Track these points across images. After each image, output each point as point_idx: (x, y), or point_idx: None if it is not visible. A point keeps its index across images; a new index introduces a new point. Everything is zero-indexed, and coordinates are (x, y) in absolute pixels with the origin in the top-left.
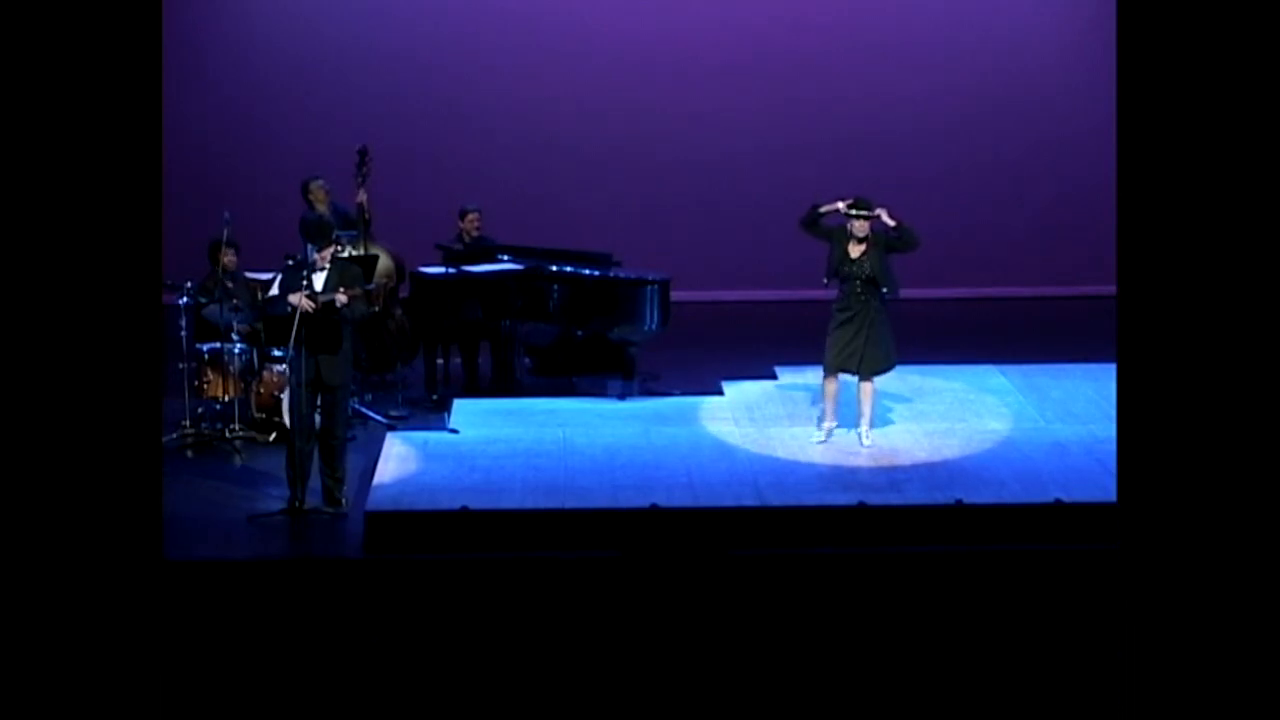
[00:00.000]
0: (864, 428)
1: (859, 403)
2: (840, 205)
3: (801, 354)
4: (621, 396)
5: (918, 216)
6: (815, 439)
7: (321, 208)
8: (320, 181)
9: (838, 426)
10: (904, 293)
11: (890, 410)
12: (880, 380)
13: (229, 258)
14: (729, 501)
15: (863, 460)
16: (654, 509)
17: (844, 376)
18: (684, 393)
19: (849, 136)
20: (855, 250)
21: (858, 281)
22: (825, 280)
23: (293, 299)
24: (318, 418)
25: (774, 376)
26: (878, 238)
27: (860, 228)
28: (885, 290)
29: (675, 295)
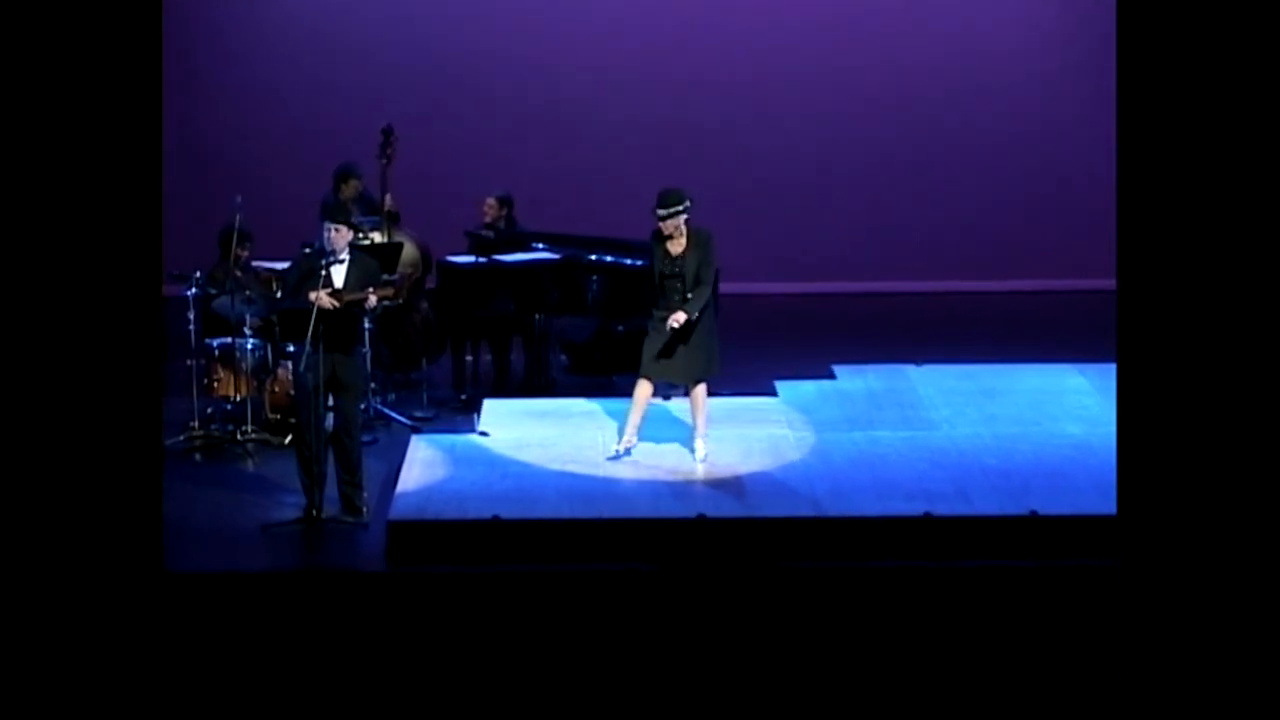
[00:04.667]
0: (698, 442)
1: (691, 414)
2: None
3: (861, 350)
4: (665, 397)
5: (993, 200)
6: (610, 453)
7: (346, 197)
8: (358, 181)
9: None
10: (973, 285)
11: (960, 412)
12: (945, 378)
13: (240, 250)
14: (782, 511)
15: (927, 467)
16: (700, 519)
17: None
18: (733, 393)
19: (914, 117)
20: (674, 248)
21: (677, 282)
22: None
23: (312, 297)
24: (329, 419)
25: (831, 375)
26: (698, 236)
27: (666, 226)
28: (690, 295)
29: (723, 287)
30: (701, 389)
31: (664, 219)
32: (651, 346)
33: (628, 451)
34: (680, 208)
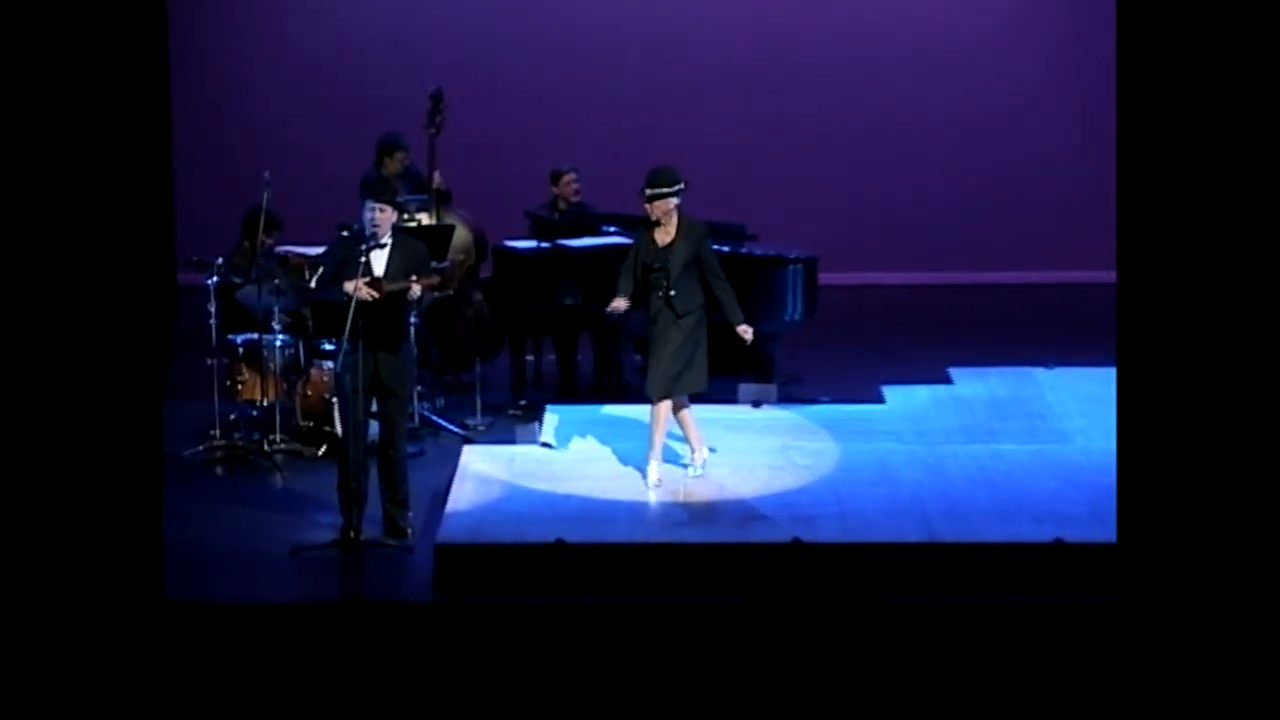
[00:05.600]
0: (695, 455)
1: (683, 430)
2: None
3: (981, 351)
4: (756, 404)
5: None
6: (650, 481)
7: (390, 172)
8: (404, 154)
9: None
10: (1095, 276)
11: (1096, 422)
12: (1080, 382)
13: (268, 238)
14: (888, 535)
15: (1058, 485)
16: (795, 544)
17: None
18: (834, 400)
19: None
20: (661, 237)
21: (660, 277)
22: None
23: (348, 287)
24: (374, 427)
25: (947, 380)
26: (691, 227)
27: (653, 210)
28: (673, 293)
29: (823, 278)
30: (681, 401)
31: (651, 200)
32: (655, 360)
33: (659, 483)
34: (671, 189)
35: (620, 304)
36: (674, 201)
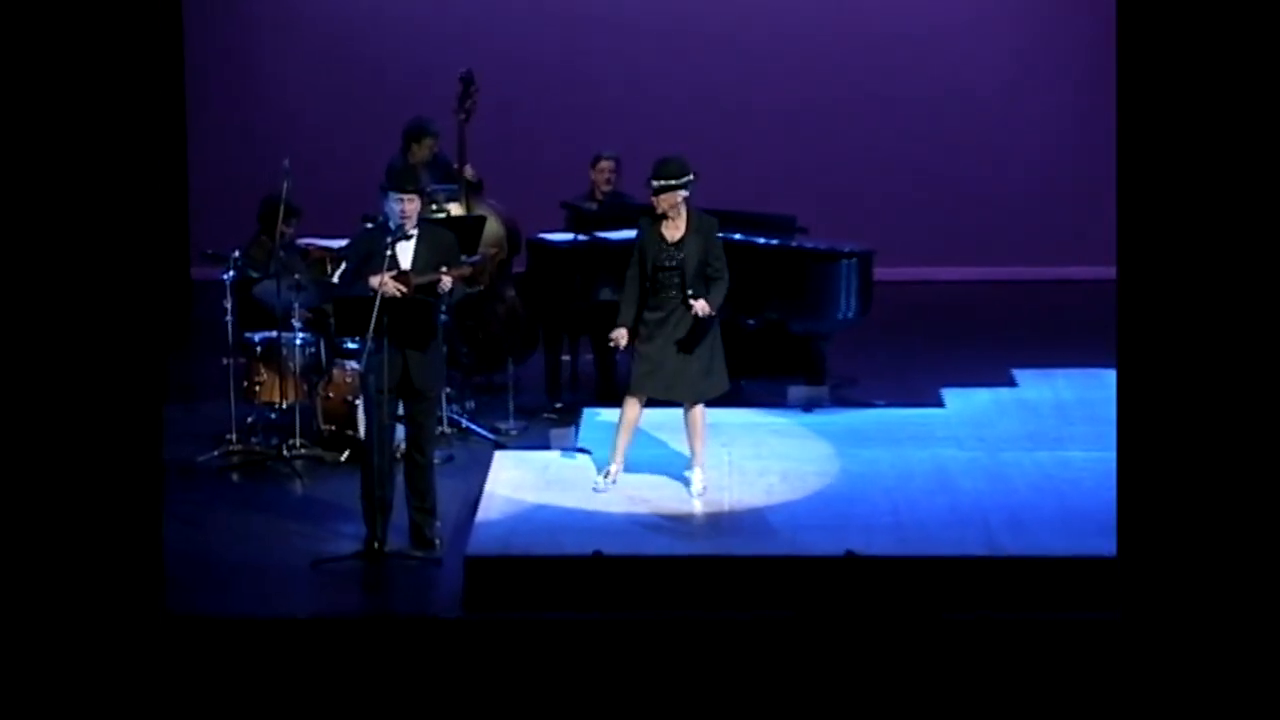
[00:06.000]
0: (695, 472)
1: (687, 438)
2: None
3: (1047, 352)
4: (807, 408)
5: None
6: (597, 485)
7: (417, 159)
8: (432, 140)
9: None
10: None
11: None
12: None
13: (288, 228)
14: (948, 549)
15: None
16: (849, 556)
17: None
18: (890, 403)
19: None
20: (671, 232)
21: (673, 275)
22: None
23: (374, 282)
24: (400, 431)
25: (1011, 382)
26: (701, 221)
27: (661, 203)
28: (691, 293)
29: (879, 273)
30: (700, 411)
31: (659, 193)
32: (645, 358)
33: (614, 482)
34: (680, 181)
35: (621, 337)
36: (683, 194)
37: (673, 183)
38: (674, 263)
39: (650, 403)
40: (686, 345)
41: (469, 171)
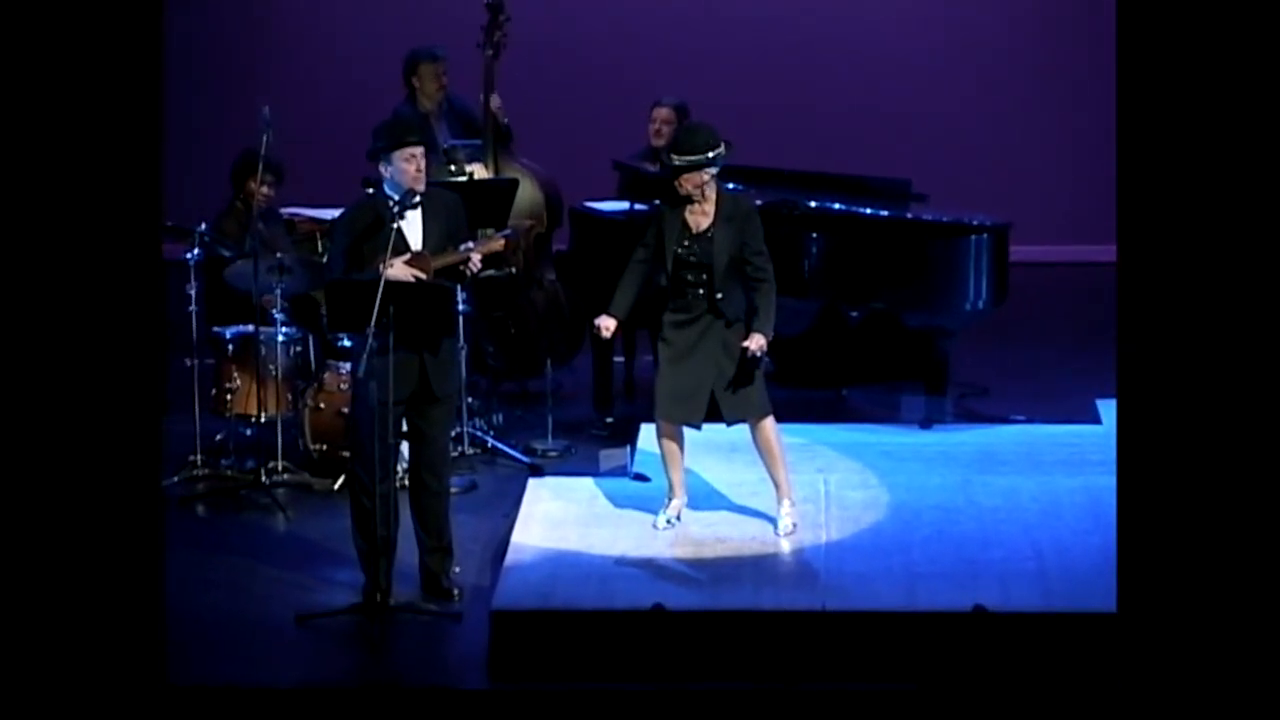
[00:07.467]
0: (783, 506)
1: (767, 468)
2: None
3: None
4: (926, 423)
5: None
6: (657, 522)
7: (429, 103)
8: (436, 64)
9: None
10: None
11: None
12: None
13: (263, 188)
14: (1097, 602)
15: None
16: (978, 612)
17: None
18: (1032, 419)
19: None
20: (696, 220)
21: (700, 273)
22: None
23: (390, 273)
24: (405, 450)
25: None
26: (736, 205)
27: (684, 184)
28: (719, 295)
29: (1015, 253)
30: (770, 428)
31: (679, 173)
32: (673, 375)
33: (678, 518)
34: (705, 156)
35: (608, 324)
36: (710, 172)
37: (694, 159)
38: (698, 257)
39: (711, 416)
40: (725, 359)
41: (495, 104)
